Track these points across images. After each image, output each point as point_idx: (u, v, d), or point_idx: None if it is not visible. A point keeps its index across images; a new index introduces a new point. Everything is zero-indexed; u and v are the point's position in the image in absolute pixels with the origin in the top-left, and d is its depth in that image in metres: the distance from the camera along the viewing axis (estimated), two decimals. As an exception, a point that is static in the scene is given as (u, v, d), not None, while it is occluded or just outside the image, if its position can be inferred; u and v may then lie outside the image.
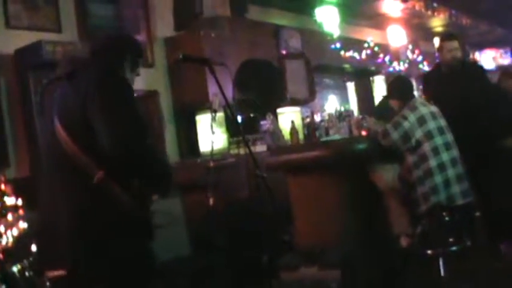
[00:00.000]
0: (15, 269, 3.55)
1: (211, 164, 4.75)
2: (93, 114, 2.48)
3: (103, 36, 3.11)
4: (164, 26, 6.59)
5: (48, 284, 3.60)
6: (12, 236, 3.84)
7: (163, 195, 2.81)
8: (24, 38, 4.96)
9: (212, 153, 4.84)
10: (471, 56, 13.70)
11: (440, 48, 5.09)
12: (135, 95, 2.76)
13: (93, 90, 2.51)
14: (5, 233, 3.86)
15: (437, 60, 5.69)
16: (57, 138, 2.59)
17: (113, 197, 2.50)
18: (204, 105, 6.00)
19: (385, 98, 5.80)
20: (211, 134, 4.79)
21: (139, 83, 6.11)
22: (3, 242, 3.83)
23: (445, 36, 5.23)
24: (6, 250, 3.78)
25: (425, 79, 5.64)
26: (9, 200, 4.03)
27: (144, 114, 2.90)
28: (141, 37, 6.35)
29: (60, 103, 2.69)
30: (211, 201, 4.58)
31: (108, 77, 2.62)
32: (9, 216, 3.95)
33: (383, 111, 5.60)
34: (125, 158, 2.46)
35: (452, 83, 4.94)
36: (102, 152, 2.45)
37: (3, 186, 4.06)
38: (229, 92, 5.96)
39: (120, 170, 2.50)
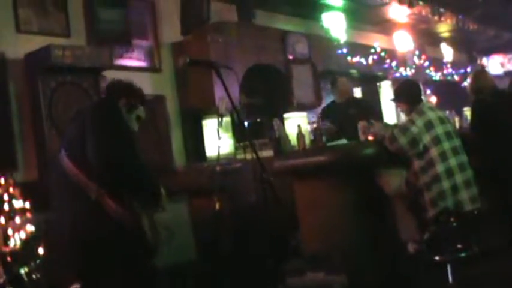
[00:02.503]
0: (22, 271, 3.57)
1: (218, 169, 4.76)
2: (86, 136, 2.85)
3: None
4: (171, 31, 6.60)
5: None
6: (20, 239, 3.86)
7: (150, 207, 3.08)
8: (33, 43, 4.99)
9: (218, 158, 4.85)
10: (478, 62, 13.69)
11: None
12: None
13: (85, 117, 2.95)
14: (13, 235, 3.88)
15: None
16: (63, 165, 2.94)
17: (108, 211, 2.83)
18: (211, 109, 6.01)
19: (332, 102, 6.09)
20: (217, 139, 4.80)
21: (147, 87, 6.19)
22: (11, 244, 3.85)
23: None
24: (13, 253, 3.80)
25: None
26: (17, 203, 4.05)
27: (134, 135, 3.21)
28: (148, 42, 6.38)
29: (66, 138, 3.12)
30: (217, 205, 4.59)
31: (98, 106, 3.13)
32: (17, 219, 3.97)
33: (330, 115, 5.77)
34: (106, 170, 2.80)
35: None
36: (94, 168, 2.81)
37: (11, 189, 4.08)
38: (235, 96, 5.98)
39: (113, 187, 2.84)
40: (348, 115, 5.98)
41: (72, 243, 2.94)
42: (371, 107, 6.75)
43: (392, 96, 4.68)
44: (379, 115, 6.63)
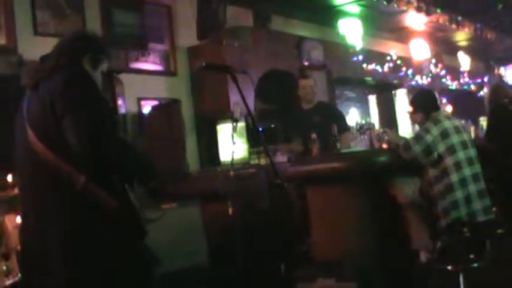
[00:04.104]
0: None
1: (232, 173, 4.76)
2: (60, 117, 2.43)
3: (60, 39, 2.89)
4: (187, 35, 6.63)
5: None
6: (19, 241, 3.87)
7: (146, 185, 2.76)
8: (50, 45, 4.95)
9: (232, 163, 4.85)
10: (496, 72, 13.61)
11: None
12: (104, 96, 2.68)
13: (57, 95, 2.47)
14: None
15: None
16: (32, 150, 2.50)
17: (99, 201, 2.44)
18: (225, 114, 6.02)
19: None
20: (231, 144, 4.80)
21: (162, 91, 6.23)
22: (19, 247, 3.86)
23: None
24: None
25: None
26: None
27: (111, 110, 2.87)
28: (164, 46, 6.41)
29: (29, 113, 2.60)
30: (230, 210, 4.58)
31: (68, 80, 2.54)
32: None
33: None
34: (93, 157, 2.39)
35: None
36: (79, 157, 2.39)
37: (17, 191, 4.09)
38: (250, 101, 5.99)
39: (100, 172, 2.45)
40: (312, 124, 5.45)
41: (60, 244, 2.45)
42: (338, 115, 6.05)
43: (408, 108, 4.66)
44: (345, 125, 5.86)
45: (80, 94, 2.50)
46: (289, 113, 6.17)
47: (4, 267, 3.80)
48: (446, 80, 11.41)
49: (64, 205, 2.47)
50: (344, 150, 4.88)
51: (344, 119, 6.10)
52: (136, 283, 2.58)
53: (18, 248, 3.79)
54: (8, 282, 3.68)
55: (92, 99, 2.53)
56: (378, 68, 9.23)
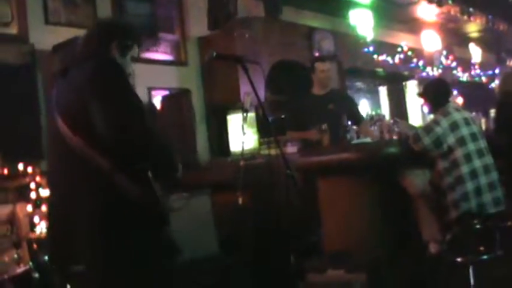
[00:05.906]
0: (47, 258, 3.60)
1: (242, 164, 4.77)
2: (88, 104, 2.43)
3: (90, 27, 2.89)
4: (198, 25, 6.64)
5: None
6: (46, 227, 3.92)
7: (169, 178, 2.73)
8: (62, 34, 5.04)
9: (242, 153, 4.85)
10: (507, 63, 13.52)
11: None
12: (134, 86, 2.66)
13: (87, 82, 2.49)
14: (39, 223, 3.94)
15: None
16: (61, 137, 2.52)
17: (123, 188, 2.43)
18: (236, 105, 6.02)
19: None
20: (242, 134, 4.81)
21: (173, 81, 6.25)
22: (37, 232, 3.91)
23: None
24: (39, 240, 3.86)
25: None
26: (44, 192, 4.10)
27: (139, 99, 2.65)
28: (175, 36, 6.42)
29: (58, 100, 2.62)
30: (240, 200, 4.59)
31: (97, 68, 2.55)
32: (43, 208, 4.03)
33: None
34: (122, 144, 2.42)
35: None
36: (105, 143, 2.40)
37: (38, 178, 4.14)
38: (261, 91, 5.98)
39: (125, 159, 2.45)
40: (327, 111, 5.30)
41: (85, 228, 2.47)
42: (353, 103, 5.88)
43: (419, 92, 4.65)
44: (359, 114, 5.75)
45: (108, 81, 2.52)
46: (301, 102, 6.10)
47: (15, 255, 3.85)
48: (457, 71, 11.35)
49: (93, 192, 2.47)
50: (354, 141, 4.86)
51: (358, 107, 6.05)
52: (159, 272, 2.58)
53: (29, 236, 3.86)
54: (19, 270, 3.73)
55: (120, 87, 2.53)
56: (389, 59, 9.19)
